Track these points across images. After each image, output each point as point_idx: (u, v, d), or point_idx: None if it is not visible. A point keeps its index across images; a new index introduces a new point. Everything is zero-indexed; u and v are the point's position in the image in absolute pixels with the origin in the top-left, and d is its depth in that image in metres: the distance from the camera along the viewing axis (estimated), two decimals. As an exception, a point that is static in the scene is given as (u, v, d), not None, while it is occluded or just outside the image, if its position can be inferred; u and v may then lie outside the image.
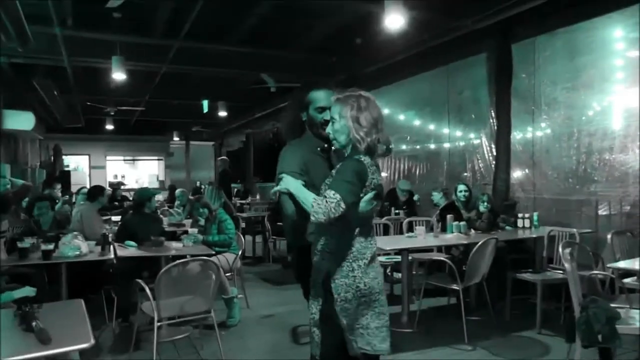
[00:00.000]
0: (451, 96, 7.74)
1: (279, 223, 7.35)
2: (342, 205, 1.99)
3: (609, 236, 4.37)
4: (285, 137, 2.69)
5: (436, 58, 7.30)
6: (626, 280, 4.11)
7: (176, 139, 17.69)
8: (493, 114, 6.56)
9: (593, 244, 5.06)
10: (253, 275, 6.97)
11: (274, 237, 8.02)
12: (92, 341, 1.88)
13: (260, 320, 4.92)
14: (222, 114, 11.98)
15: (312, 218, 2.02)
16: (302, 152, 2.44)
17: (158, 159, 18.67)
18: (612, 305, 3.30)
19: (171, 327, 4.00)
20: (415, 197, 7.54)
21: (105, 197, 5.75)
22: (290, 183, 2.20)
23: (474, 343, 4.11)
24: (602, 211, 5.48)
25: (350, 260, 2.14)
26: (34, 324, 1.95)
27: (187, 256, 4.38)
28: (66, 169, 15.55)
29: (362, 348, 2.18)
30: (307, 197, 2.08)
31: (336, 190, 2.02)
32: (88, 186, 9.18)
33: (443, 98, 7.85)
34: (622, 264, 3.38)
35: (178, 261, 3.66)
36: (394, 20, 5.28)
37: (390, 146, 2.24)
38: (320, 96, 2.47)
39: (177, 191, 7.52)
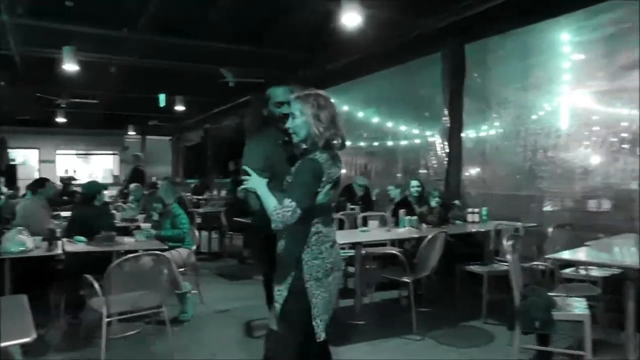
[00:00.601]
0: (408, 94, 7.91)
1: (235, 218, 7.33)
2: (298, 211, 2.17)
3: (550, 230, 4.60)
4: (249, 131, 2.91)
5: (396, 57, 7.44)
6: (566, 270, 4.34)
7: (132, 133, 17.28)
8: (446, 113, 6.74)
9: (538, 238, 5.28)
10: (208, 270, 6.91)
11: (231, 232, 7.99)
12: (34, 335, 1.85)
13: (214, 316, 4.90)
14: (180, 108, 11.80)
15: (273, 225, 2.20)
16: (265, 147, 2.62)
17: (113, 154, 18.17)
18: (551, 294, 3.48)
19: (122, 324, 3.95)
20: (377, 191, 7.64)
21: (50, 189, 5.54)
22: (257, 184, 2.33)
23: (423, 333, 4.23)
24: (549, 207, 5.74)
25: (319, 244, 2.31)
26: (-29, 318, 1.90)
27: (139, 251, 4.32)
28: (12, 163, 14.95)
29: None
30: (269, 203, 2.24)
31: (292, 197, 2.19)
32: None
33: (401, 96, 8.02)
34: (558, 255, 3.56)
35: (128, 255, 3.61)
36: (351, 19, 5.36)
37: (345, 141, 2.41)
38: (277, 92, 2.66)
39: (132, 186, 7.37)
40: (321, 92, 2.38)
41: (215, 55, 8.07)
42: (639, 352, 3.24)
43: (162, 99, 11.02)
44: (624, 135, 5.20)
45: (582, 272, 4.28)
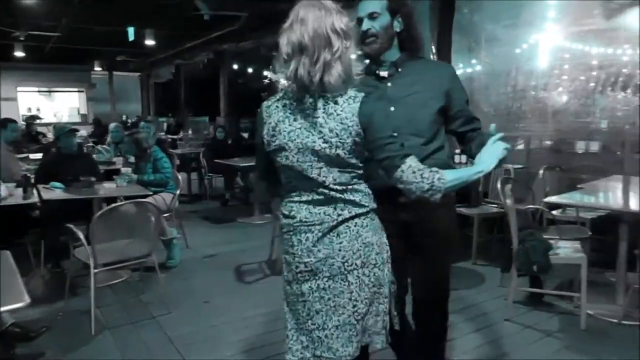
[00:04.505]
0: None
1: (216, 160, 7.12)
2: None
3: (540, 171, 4.57)
4: None
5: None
6: (554, 212, 4.36)
7: (98, 69, 16.39)
8: (434, 49, 6.48)
9: (524, 179, 5.28)
10: (190, 214, 6.77)
11: (211, 174, 7.80)
12: (27, 300, 1.70)
13: (202, 261, 4.80)
14: (150, 42, 11.12)
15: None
16: None
17: (78, 91, 17.28)
18: (546, 236, 3.49)
19: (108, 272, 3.81)
20: None
21: (13, 132, 5.10)
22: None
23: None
24: (531, 147, 5.73)
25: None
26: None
27: (121, 197, 4.14)
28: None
29: (322, 356, 1.63)
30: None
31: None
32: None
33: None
34: (557, 199, 3.54)
35: (114, 204, 3.43)
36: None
37: None
38: (364, 4, 1.98)
39: (112, 126, 6.83)
40: None
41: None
42: (630, 291, 3.31)
43: (131, 32, 10.33)
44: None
45: (570, 213, 4.32)
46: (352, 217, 1.60)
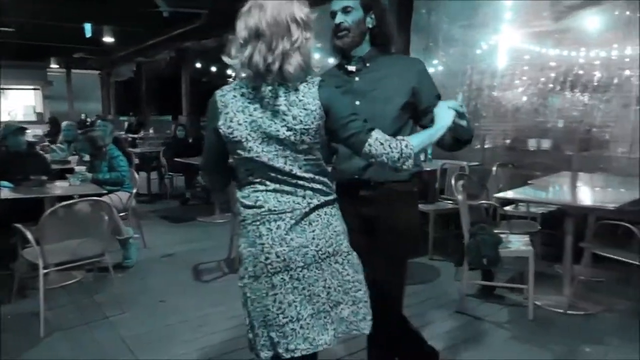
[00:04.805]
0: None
1: (176, 159, 7.02)
2: None
3: (494, 168, 4.72)
4: None
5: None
6: (507, 207, 4.52)
7: (54, 66, 15.89)
8: (393, 49, 6.58)
9: (482, 176, 5.43)
10: (149, 213, 6.67)
11: (171, 173, 7.69)
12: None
13: (160, 260, 4.74)
14: (108, 39, 10.88)
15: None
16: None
17: (34, 89, 16.71)
18: (496, 231, 3.61)
19: (60, 273, 3.73)
20: None
21: None
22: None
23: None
24: (489, 145, 5.89)
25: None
26: None
27: (75, 196, 4.04)
28: None
29: (297, 349, 1.58)
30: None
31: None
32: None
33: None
34: (506, 195, 3.67)
35: (63, 202, 3.35)
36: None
37: None
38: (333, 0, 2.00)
39: (64, 124, 6.63)
40: None
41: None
42: (575, 282, 3.45)
43: (88, 29, 10.08)
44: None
45: (522, 209, 4.48)
46: (322, 205, 1.60)
